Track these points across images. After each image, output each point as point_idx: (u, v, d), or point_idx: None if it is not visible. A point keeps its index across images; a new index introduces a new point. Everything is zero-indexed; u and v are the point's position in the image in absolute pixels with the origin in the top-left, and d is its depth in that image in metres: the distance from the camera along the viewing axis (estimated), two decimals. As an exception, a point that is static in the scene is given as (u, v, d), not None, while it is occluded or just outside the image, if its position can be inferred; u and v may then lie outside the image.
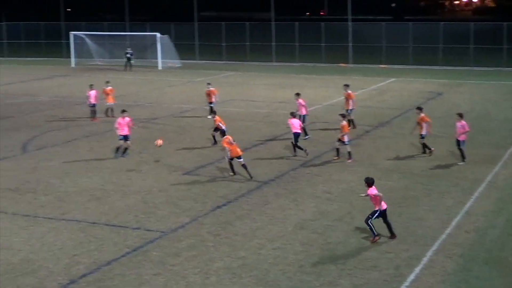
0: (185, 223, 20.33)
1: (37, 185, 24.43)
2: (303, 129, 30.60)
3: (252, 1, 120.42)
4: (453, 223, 20.23)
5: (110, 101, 36.91)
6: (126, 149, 28.44)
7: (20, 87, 51.11)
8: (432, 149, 28.46)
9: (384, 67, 63.48)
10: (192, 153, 29.14)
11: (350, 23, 67.87)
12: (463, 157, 27.24)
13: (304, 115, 31.94)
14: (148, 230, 19.71)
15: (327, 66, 65.29)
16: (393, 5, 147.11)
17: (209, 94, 36.89)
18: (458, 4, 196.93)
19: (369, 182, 19.06)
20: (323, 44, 68.04)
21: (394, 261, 17.38)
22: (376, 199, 18.88)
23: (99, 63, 69.64)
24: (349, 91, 34.74)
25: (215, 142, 29.70)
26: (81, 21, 78.15)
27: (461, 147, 27.26)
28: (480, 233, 19.49)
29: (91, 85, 37.47)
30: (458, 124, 27.32)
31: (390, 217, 20.44)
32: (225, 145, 25.24)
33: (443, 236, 19.14)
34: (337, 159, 27.64)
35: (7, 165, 27.31)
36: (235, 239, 19.01)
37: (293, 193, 23.28)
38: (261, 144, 31.02)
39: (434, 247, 18.29)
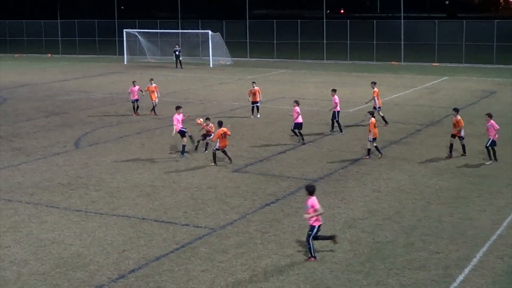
0: (233, 220, 20.41)
1: (89, 180, 24.78)
2: (338, 124, 32.69)
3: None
4: (505, 223, 19.94)
5: (154, 99, 37.19)
6: (183, 146, 28.31)
7: (74, 84, 51.88)
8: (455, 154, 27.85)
9: (436, 66, 62.81)
10: (242, 151, 29.22)
11: (402, 21, 67.33)
12: (495, 157, 27.13)
13: (337, 112, 32.74)
14: (196, 227, 19.84)
15: (379, 64, 64.88)
16: (447, 2, 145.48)
17: (254, 93, 36.69)
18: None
19: (310, 190, 17.23)
20: (375, 42, 67.62)
21: (443, 261, 17.19)
22: (310, 211, 17.11)
23: (151, 61, 70.28)
24: (376, 89, 34.53)
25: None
26: (134, 19, 78.94)
27: (494, 146, 27.14)
28: (532, 234, 19.18)
29: (134, 81, 38.50)
30: (488, 124, 27.14)
31: (439, 217, 20.30)
32: (217, 138, 26.33)
33: (494, 237, 18.87)
34: (379, 156, 27.60)
35: (59, 160, 27.75)
36: (283, 236, 19.02)
37: (342, 192, 23.20)
38: (311, 142, 30.95)
39: (485, 248, 18.05)
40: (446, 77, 54.36)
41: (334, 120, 32.89)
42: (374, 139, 27.64)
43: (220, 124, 26.81)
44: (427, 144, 30.25)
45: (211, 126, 28.39)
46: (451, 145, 27.91)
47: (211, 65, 64.89)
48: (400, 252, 17.79)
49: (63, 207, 21.75)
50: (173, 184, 24.18)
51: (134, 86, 37.44)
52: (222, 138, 26.29)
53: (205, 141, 28.67)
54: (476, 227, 19.63)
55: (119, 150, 29.47)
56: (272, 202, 22.09)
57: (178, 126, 28.23)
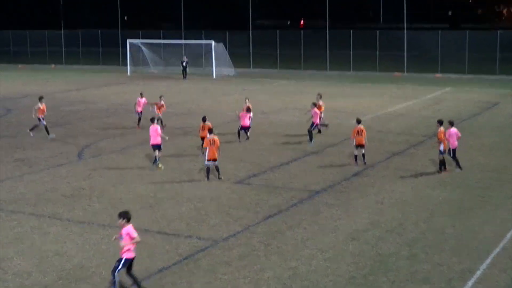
0: (236, 232, 20.40)
1: (92, 192, 24.78)
2: (309, 133, 33.02)
3: (307, 9, 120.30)
4: (508, 236, 19.89)
5: (159, 114, 36.66)
6: (155, 157, 28.30)
7: (77, 95, 51.97)
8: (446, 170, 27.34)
9: (439, 76, 62.83)
10: (245, 162, 29.23)
11: (405, 32, 67.43)
12: (459, 166, 27.14)
13: (316, 124, 33.42)
14: (199, 239, 19.82)
15: (382, 75, 64.94)
16: (450, 13, 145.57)
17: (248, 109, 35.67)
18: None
19: (127, 218, 15.85)
20: (378, 53, 67.69)
21: (447, 274, 17.15)
22: (126, 241, 15.70)
23: (155, 71, 70.40)
24: (321, 102, 35.13)
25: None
26: (138, 29, 79.15)
27: (455, 155, 27.04)
28: (535, 246, 19.14)
29: (141, 93, 38.14)
30: (451, 132, 26.80)
31: (442, 229, 20.25)
32: (206, 146, 26.17)
33: (498, 249, 18.82)
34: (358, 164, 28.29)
35: (63, 171, 27.76)
36: (286, 249, 19.00)
37: (345, 203, 23.18)
38: (314, 153, 30.96)
39: (488, 261, 18.00)
40: (449, 88, 54.39)
41: (308, 130, 33.05)
42: (358, 146, 28.28)
43: (204, 120, 28.76)
44: (430, 156, 30.18)
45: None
46: (441, 160, 27.70)
47: (214, 76, 64.97)
48: (403, 265, 17.76)
49: (66, 218, 21.75)
50: (176, 196, 24.18)
51: (142, 98, 37.23)
52: (211, 146, 25.87)
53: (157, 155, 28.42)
54: (479, 239, 19.59)
55: (122, 162, 29.49)
56: (275, 214, 22.08)
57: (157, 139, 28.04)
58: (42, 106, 34.78)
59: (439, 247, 18.91)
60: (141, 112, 37.03)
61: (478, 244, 19.20)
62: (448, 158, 27.06)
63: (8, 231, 20.50)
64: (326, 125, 35.21)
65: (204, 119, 29.77)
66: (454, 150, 26.89)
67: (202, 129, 29.68)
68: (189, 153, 30.88)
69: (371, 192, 24.47)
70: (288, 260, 18.17)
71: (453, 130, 26.92)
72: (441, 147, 26.80)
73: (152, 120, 28.81)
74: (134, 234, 15.58)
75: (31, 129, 34.90)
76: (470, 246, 19.09)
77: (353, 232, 20.32)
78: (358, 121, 28.67)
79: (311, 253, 18.62)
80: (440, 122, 27.00)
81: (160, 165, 27.96)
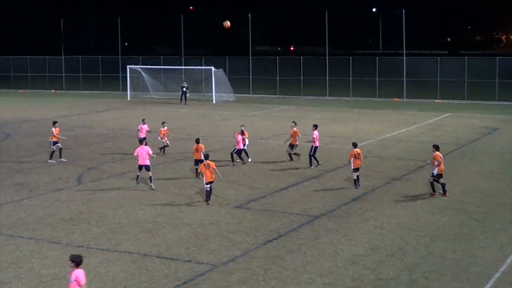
0: (235, 256, 20.34)
1: (91, 216, 24.73)
2: (314, 158, 33.20)
3: (306, 36, 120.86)
4: (508, 260, 19.84)
5: (165, 140, 36.78)
6: (150, 177, 29.16)
7: (77, 120, 52.02)
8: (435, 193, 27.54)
9: (439, 102, 62.96)
10: (244, 186, 29.21)
11: (404, 58, 67.66)
12: (444, 190, 27.21)
13: (315, 147, 33.21)
14: (198, 263, 19.76)
15: (381, 100, 65.07)
16: (449, 39, 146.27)
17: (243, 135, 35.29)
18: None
19: (77, 261, 14.84)
20: (377, 79, 67.89)
21: (447, 299, 17.09)
22: (74, 286, 14.72)
23: (154, 97, 70.53)
24: (295, 129, 34.79)
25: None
26: (138, 55, 79.41)
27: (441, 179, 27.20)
28: (536, 271, 19.07)
29: (144, 119, 37.95)
30: (438, 156, 27.09)
31: (442, 254, 20.19)
32: (201, 170, 26.70)
33: (498, 274, 18.77)
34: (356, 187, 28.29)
35: (62, 196, 27.72)
36: (286, 273, 18.92)
37: (344, 228, 23.12)
38: (313, 178, 30.95)
39: (488, 286, 17.94)
40: (449, 114, 54.48)
41: (310, 155, 33.04)
42: (356, 169, 28.51)
43: (197, 141, 29.85)
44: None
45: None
46: (431, 183, 27.73)
47: (214, 101, 65.08)
48: (403, 289, 17.69)
49: (65, 243, 21.69)
50: (176, 220, 24.13)
51: (144, 124, 37.10)
52: (206, 169, 26.19)
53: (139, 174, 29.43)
54: (479, 264, 19.53)
55: (121, 186, 29.46)
56: (275, 239, 22.02)
57: (141, 160, 29.03)
58: (55, 130, 35.22)
59: (440, 272, 18.85)
60: (144, 138, 36.72)
61: (478, 269, 19.14)
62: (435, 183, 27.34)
63: (7, 255, 20.44)
64: (298, 154, 34.80)
65: (197, 141, 30.83)
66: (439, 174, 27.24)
67: (195, 151, 30.60)
68: (188, 177, 30.87)
69: (371, 217, 24.41)
70: (287, 284, 18.10)
71: (437, 153, 27.25)
72: (435, 171, 27.11)
73: (141, 141, 30.20)
74: (83, 280, 14.67)
75: (50, 158, 35.08)
76: (470, 271, 19.03)
77: (353, 256, 20.26)
78: (355, 145, 29.08)
79: (310, 277, 18.55)
80: (436, 147, 27.44)
81: (152, 186, 28.85)
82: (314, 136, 33.06)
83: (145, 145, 29.64)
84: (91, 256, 20.33)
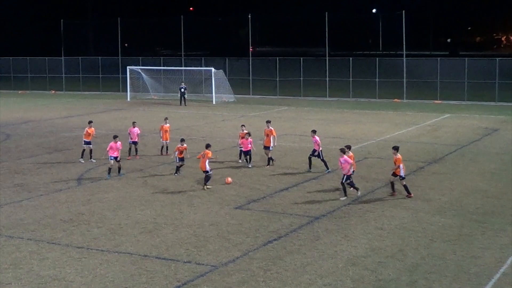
0: (235, 257, 20.32)
1: (91, 217, 24.72)
2: (324, 162, 32.63)
3: (306, 36, 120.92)
4: (508, 261, 19.83)
5: (166, 139, 36.43)
6: (119, 168, 31.34)
7: (77, 121, 51.98)
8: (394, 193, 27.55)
9: (439, 103, 62.96)
10: (244, 187, 29.19)
11: (404, 59, 67.66)
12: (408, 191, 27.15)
13: (320, 151, 32.57)
14: (198, 264, 19.75)
15: (381, 101, 65.06)
16: (449, 40, 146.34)
17: (243, 137, 34.50)
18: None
19: None
20: (377, 80, 67.89)
21: (447, 299, 17.07)
22: None
23: (154, 98, 70.53)
24: (271, 128, 34.34)
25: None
26: (138, 56, 79.41)
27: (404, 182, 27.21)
28: (536, 272, 19.05)
29: (134, 122, 37.25)
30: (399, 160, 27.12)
31: (442, 255, 20.17)
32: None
33: (498, 274, 18.76)
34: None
35: (62, 197, 27.71)
36: (286, 274, 18.91)
37: (344, 229, 23.11)
38: (313, 179, 30.93)
39: (488, 286, 17.94)
40: (449, 115, 54.46)
41: (321, 159, 32.40)
42: (348, 176, 27.42)
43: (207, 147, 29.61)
44: (430, 182, 30.19)
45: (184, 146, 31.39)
46: (392, 183, 27.66)
47: (214, 102, 65.08)
48: (403, 290, 17.68)
49: (65, 243, 21.68)
50: (175, 221, 24.12)
51: (134, 127, 36.30)
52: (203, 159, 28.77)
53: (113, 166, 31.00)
54: (479, 265, 19.52)
55: (121, 187, 29.45)
56: (275, 240, 22.01)
57: (112, 152, 30.85)
58: (90, 129, 35.47)
59: (440, 273, 18.84)
60: (135, 141, 36.18)
61: (478, 270, 19.13)
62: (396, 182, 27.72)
63: (7, 256, 20.43)
64: (273, 160, 34.04)
65: (208, 146, 29.95)
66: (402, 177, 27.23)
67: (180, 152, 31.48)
68: (188, 178, 30.85)
69: (371, 218, 24.40)
70: (287, 285, 18.09)
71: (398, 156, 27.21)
72: (402, 172, 27.18)
73: (114, 137, 31.65)
74: None
75: (81, 156, 35.37)
76: (470, 272, 19.02)
77: (353, 257, 20.25)
78: (349, 148, 28.61)
79: (310, 278, 18.54)
80: (396, 149, 27.50)
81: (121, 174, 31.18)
82: (316, 141, 32.47)
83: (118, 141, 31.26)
84: (90, 257, 20.33)
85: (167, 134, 36.61)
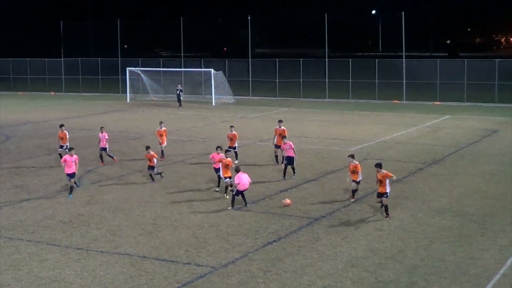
0: (235, 258, 20.32)
1: (90, 218, 24.72)
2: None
3: (306, 38, 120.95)
4: (508, 262, 19.83)
5: (163, 143, 35.85)
6: (71, 188, 28.30)
7: (76, 122, 51.99)
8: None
9: (438, 104, 62.98)
10: (244, 189, 29.15)
11: (404, 60, 67.67)
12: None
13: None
14: (198, 265, 19.75)
15: (381, 103, 65.06)
16: (448, 41, 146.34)
17: (231, 138, 34.82)
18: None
19: None
20: (377, 81, 67.89)
21: (447, 301, 17.07)
22: None
23: (154, 99, 70.54)
24: (283, 127, 34.32)
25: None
26: (137, 57, 79.42)
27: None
28: (536, 274, 19.06)
29: (102, 127, 36.28)
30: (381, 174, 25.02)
31: (442, 257, 20.17)
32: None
33: (497, 276, 18.77)
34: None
35: (61, 198, 27.71)
36: (285, 275, 18.91)
37: (344, 230, 23.10)
38: (313, 180, 30.93)
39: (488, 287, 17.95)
40: (448, 116, 54.47)
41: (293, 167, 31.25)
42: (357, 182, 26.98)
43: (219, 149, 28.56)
44: (430, 183, 30.19)
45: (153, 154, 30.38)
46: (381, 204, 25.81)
47: (213, 104, 65.09)
48: (403, 292, 17.68)
49: (64, 245, 21.68)
50: (175, 223, 24.12)
51: (102, 133, 35.26)
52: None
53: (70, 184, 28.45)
54: (479, 266, 19.52)
55: (121, 188, 29.45)
56: (274, 241, 22.01)
57: (67, 168, 28.08)
58: (61, 133, 35.10)
59: (439, 274, 18.84)
60: (103, 148, 35.11)
61: (478, 271, 19.13)
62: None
63: (6, 258, 20.43)
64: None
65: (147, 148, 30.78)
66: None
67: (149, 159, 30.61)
68: (188, 180, 30.85)
69: (371, 219, 24.39)
70: (287, 287, 18.10)
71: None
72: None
73: (70, 149, 29.09)
74: None
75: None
76: (470, 273, 19.02)
77: (352, 259, 20.25)
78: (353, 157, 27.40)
79: (310, 280, 18.54)
80: (379, 165, 25.03)
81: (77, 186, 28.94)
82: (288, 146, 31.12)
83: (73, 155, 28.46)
84: (90, 258, 20.33)
85: (164, 138, 35.81)
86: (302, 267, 19.55)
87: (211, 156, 28.97)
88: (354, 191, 27.16)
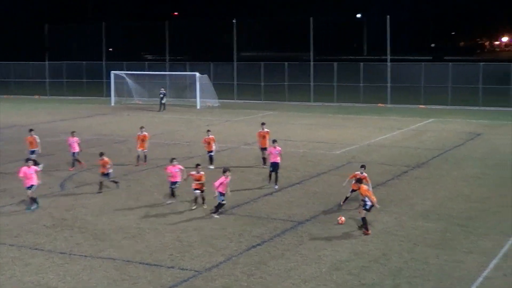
0: (219, 262, 20.30)
1: (74, 222, 24.62)
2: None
3: (291, 41, 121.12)
4: (491, 265, 19.91)
5: (143, 148, 35.42)
6: (32, 199, 26.84)
7: (61, 125, 51.81)
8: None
9: (423, 108, 63.19)
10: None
11: (388, 63, 67.86)
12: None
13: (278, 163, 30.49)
14: (182, 269, 19.71)
15: (366, 106, 65.20)
16: (433, 45, 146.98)
17: (208, 142, 34.87)
18: (498, 44, 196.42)
19: None
20: (362, 85, 68.05)
21: (430, 304, 17.11)
22: None
23: (139, 102, 70.37)
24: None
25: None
26: (122, 60, 79.22)
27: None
28: (518, 276, 19.15)
29: (73, 132, 35.82)
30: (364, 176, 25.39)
31: (426, 260, 20.23)
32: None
33: (481, 279, 18.84)
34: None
35: (45, 202, 27.56)
36: (269, 279, 18.90)
37: (328, 234, 23.12)
38: (298, 183, 30.94)
39: (471, 291, 18.04)
40: (433, 119, 54.68)
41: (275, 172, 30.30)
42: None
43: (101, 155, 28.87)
44: (414, 186, 30.29)
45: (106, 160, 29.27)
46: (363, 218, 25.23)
47: (198, 107, 65.02)
48: (386, 295, 17.71)
49: (48, 249, 21.57)
50: (159, 226, 24.06)
51: (73, 137, 34.86)
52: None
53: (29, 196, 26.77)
54: (462, 269, 19.59)
55: (105, 192, 29.33)
56: (258, 244, 22.00)
57: (27, 181, 26.63)
58: (30, 138, 34.77)
59: (423, 277, 18.90)
60: (74, 153, 34.65)
61: (461, 274, 19.21)
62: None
63: (-11, 262, 20.31)
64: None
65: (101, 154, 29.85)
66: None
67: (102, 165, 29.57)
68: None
69: (354, 223, 24.41)
70: (271, 290, 18.08)
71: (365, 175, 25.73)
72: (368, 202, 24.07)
73: (27, 160, 27.69)
74: None
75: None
76: (453, 276, 19.10)
77: (336, 262, 20.27)
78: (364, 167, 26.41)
79: (294, 283, 18.55)
80: (359, 181, 24.76)
81: (33, 208, 26.57)
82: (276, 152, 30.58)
83: (35, 164, 27.81)
84: (73, 263, 20.25)
85: (144, 144, 35.40)
86: (286, 270, 19.55)
87: (166, 168, 28.04)
88: (347, 198, 26.46)
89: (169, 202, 27.29)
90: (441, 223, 24.38)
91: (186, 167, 28.51)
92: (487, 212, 25.92)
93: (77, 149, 34.62)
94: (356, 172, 26.05)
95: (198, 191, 26.42)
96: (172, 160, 27.88)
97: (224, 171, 25.46)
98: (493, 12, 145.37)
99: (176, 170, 27.39)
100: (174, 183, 27.50)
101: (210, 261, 20.40)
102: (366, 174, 25.96)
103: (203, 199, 26.39)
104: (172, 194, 27.50)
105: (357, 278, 18.89)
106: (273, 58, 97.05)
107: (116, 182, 29.99)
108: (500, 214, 25.58)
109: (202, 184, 26.48)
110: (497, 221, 24.58)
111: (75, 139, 34.78)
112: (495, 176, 32.40)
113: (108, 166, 29.41)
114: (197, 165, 27.34)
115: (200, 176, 26.52)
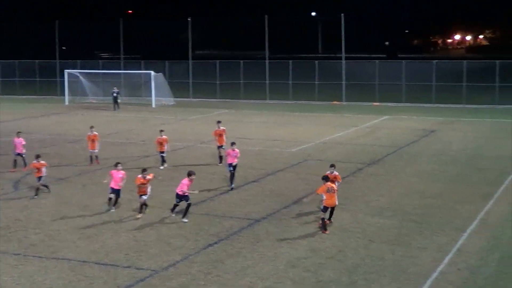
0: (176, 261, 20.21)
1: (28, 223, 24.30)
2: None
3: (247, 39, 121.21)
4: (445, 260, 20.16)
5: (94, 148, 34.94)
6: None
7: (14, 125, 51.02)
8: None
9: (377, 105, 63.72)
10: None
11: (343, 61, 68.27)
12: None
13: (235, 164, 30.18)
14: (138, 269, 19.57)
15: (321, 104, 65.49)
16: (387, 43, 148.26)
17: (160, 143, 34.38)
18: (451, 42, 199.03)
19: None
20: (317, 82, 68.37)
21: (386, 299, 17.25)
22: None
23: (93, 101, 69.72)
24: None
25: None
26: (76, 59, 78.42)
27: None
28: (472, 270, 19.40)
29: (19, 132, 35.34)
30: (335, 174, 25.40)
31: (381, 256, 20.39)
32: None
33: (435, 274, 19.06)
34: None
35: (-2, 203, 27.18)
36: (226, 277, 18.88)
37: (284, 231, 23.18)
38: (254, 181, 30.96)
39: (426, 285, 18.22)
40: (387, 116, 55.16)
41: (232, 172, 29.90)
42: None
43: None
44: (369, 183, 30.52)
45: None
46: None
47: (153, 106, 64.68)
48: (343, 291, 17.80)
49: (1, 251, 21.25)
50: (115, 226, 23.88)
51: (18, 138, 34.29)
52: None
53: None
54: (417, 265, 19.80)
55: (59, 192, 29.01)
56: (215, 243, 21.96)
57: None
58: (19, 139, 34.00)
59: (379, 273, 19.06)
60: (19, 153, 33.96)
61: (416, 269, 19.40)
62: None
63: None
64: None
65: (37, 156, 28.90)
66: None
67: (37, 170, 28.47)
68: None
69: (311, 220, 24.52)
70: (228, 289, 18.06)
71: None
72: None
73: None
74: None
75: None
76: (409, 271, 19.28)
77: (293, 259, 20.32)
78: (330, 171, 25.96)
79: (251, 281, 18.55)
80: (325, 178, 24.26)
81: None
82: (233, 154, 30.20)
83: None
84: (28, 264, 19.99)
85: (95, 144, 34.91)
86: (243, 268, 19.55)
87: (110, 173, 26.99)
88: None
89: (112, 209, 26.10)
90: (396, 220, 24.61)
91: (139, 167, 28.31)
92: (442, 208, 26.22)
93: (21, 150, 33.84)
94: (327, 172, 25.67)
95: (144, 197, 25.62)
96: (117, 164, 26.97)
97: (189, 175, 25.14)
98: (446, 9, 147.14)
99: (119, 176, 26.34)
100: (115, 190, 26.16)
101: (167, 260, 20.30)
102: (337, 173, 25.74)
103: (146, 205, 25.63)
104: (114, 203, 26.28)
105: (314, 275, 18.96)
106: (228, 56, 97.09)
107: (46, 186, 28.89)
108: (454, 210, 25.92)
109: (146, 188, 25.63)
110: (451, 217, 24.89)
111: (20, 139, 34.16)
112: (449, 172, 32.82)
113: (44, 169, 28.36)
114: (144, 169, 26.24)
115: (147, 181, 25.72)
